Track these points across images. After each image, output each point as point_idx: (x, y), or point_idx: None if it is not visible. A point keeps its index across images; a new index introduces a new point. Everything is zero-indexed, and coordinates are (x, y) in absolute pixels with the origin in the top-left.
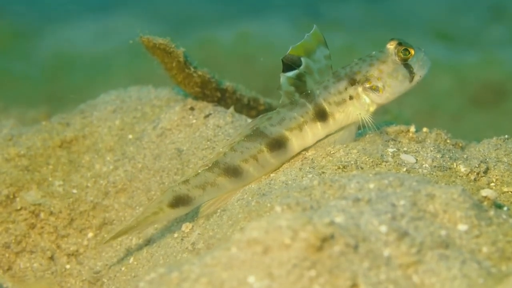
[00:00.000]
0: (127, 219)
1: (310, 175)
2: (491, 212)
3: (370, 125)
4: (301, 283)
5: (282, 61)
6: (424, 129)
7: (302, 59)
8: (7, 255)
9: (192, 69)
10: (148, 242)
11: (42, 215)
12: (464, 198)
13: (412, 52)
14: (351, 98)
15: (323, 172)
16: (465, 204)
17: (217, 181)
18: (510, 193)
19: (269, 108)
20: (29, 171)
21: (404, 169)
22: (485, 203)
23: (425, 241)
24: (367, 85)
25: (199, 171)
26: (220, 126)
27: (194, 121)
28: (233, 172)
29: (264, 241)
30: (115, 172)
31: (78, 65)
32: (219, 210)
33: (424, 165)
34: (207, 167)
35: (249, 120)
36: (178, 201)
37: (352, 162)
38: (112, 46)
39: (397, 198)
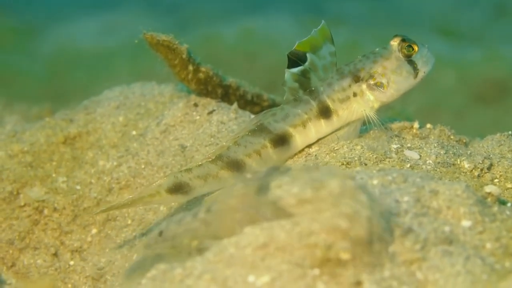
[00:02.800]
0: (131, 215)
1: None
2: (495, 208)
3: (375, 121)
4: (304, 281)
5: (288, 56)
6: (428, 125)
7: (308, 55)
8: (10, 251)
9: (196, 66)
10: None
11: (45, 211)
12: (467, 194)
13: (416, 48)
14: (355, 95)
15: None
16: (469, 200)
17: (219, 174)
18: None
19: (273, 104)
20: (32, 167)
21: (408, 165)
22: (489, 199)
23: (429, 237)
24: (371, 82)
25: (203, 162)
26: (224, 123)
27: (198, 117)
28: (236, 166)
29: (267, 237)
30: (119, 169)
31: (82, 61)
32: None
33: (427, 161)
34: (210, 159)
35: (253, 116)
36: (178, 188)
37: (356, 158)
38: (115, 42)
39: (401, 194)
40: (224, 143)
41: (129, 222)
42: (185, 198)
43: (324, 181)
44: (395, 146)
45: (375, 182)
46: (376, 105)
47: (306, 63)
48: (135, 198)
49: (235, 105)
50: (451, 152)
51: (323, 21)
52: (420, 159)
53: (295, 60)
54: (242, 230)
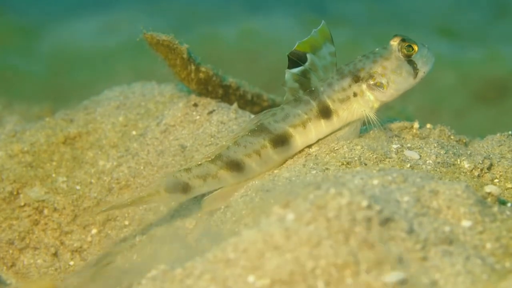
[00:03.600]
0: (130, 215)
1: (314, 172)
2: (495, 208)
3: (374, 121)
4: (305, 282)
5: (288, 56)
6: (428, 125)
7: (308, 56)
8: (10, 251)
9: (196, 66)
10: (152, 238)
11: (45, 211)
12: (467, 194)
13: (416, 48)
14: (355, 95)
15: (327, 169)
16: (469, 200)
17: (218, 174)
18: None
19: (273, 104)
20: (32, 167)
21: (408, 165)
22: (489, 199)
23: (429, 237)
24: (371, 82)
25: (202, 162)
26: (224, 122)
27: (198, 117)
28: (236, 166)
29: (264, 239)
30: (119, 169)
31: (82, 61)
32: (222, 207)
33: (427, 161)
34: (210, 159)
35: (253, 116)
36: (177, 188)
37: (356, 158)
38: (115, 42)
39: (401, 194)
40: (224, 143)
41: (129, 222)
42: (185, 198)
43: None
44: (395, 146)
45: (375, 182)
46: (376, 105)
47: (306, 63)
48: (135, 197)
49: (235, 105)
50: (451, 152)
51: (323, 21)
52: (420, 159)
53: (295, 60)
54: None
